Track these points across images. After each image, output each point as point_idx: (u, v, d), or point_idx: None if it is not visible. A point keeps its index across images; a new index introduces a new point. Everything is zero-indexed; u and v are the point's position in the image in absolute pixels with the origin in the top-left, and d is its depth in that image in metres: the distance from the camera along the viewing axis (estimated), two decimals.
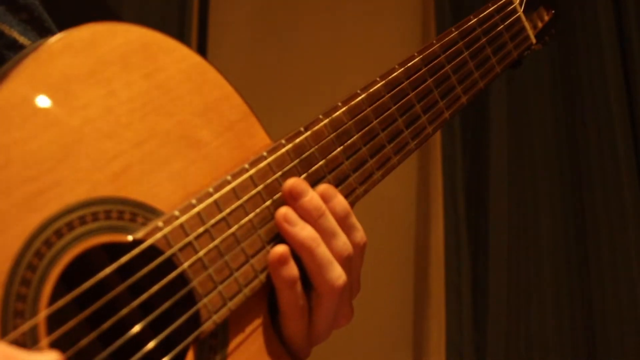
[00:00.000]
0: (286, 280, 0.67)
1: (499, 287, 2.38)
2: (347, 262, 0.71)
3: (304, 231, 0.68)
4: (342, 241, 0.71)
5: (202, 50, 2.50)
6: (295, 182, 0.69)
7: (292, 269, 0.68)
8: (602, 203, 2.41)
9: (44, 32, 0.72)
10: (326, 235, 0.70)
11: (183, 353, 0.62)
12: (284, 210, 0.68)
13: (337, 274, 0.70)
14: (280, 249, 0.67)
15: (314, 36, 2.56)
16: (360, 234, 0.73)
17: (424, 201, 2.50)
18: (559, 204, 2.46)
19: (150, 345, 0.59)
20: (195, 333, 0.62)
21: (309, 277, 0.69)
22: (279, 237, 0.68)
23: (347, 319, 0.75)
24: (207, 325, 0.62)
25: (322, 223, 0.69)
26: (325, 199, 0.70)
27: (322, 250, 0.69)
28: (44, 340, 0.52)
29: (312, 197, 0.69)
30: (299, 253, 0.69)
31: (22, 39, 0.70)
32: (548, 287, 2.40)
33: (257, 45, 2.57)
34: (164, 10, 2.43)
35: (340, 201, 0.71)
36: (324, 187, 0.71)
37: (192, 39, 2.45)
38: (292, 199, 0.69)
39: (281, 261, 0.67)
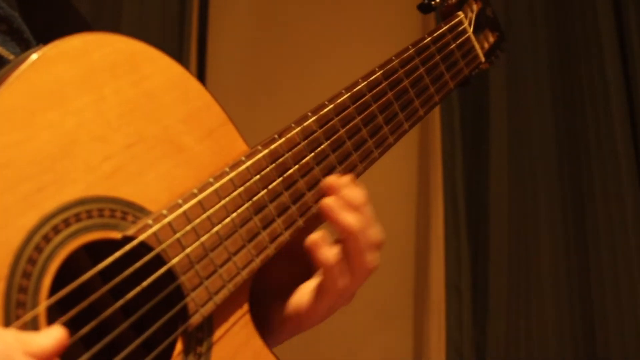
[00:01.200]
0: (332, 259, 0.75)
1: (499, 287, 2.39)
2: (379, 248, 0.79)
3: (350, 217, 0.76)
4: (378, 229, 0.78)
5: (202, 50, 2.51)
6: (334, 179, 0.78)
7: (334, 249, 0.76)
8: (602, 203, 2.41)
9: (23, 44, 0.75)
10: (366, 223, 0.77)
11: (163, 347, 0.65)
12: (331, 200, 0.77)
13: (373, 257, 0.78)
14: (317, 233, 0.75)
15: (314, 35, 2.57)
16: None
17: (424, 201, 2.50)
18: (559, 204, 2.46)
19: (143, 337, 0.62)
20: (184, 325, 0.65)
21: (349, 259, 0.77)
22: (257, 236, 0.73)
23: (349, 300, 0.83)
24: (195, 319, 0.66)
25: (363, 212, 0.77)
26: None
27: (364, 235, 0.77)
28: (42, 307, 0.56)
29: (350, 189, 0.78)
30: (344, 236, 0.77)
31: (0, 50, 0.72)
32: (548, 287, 2.40)
33: (256, 45, 2.58)
34: (164, 10, 2.43)
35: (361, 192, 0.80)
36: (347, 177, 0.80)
37: (192, 39, 2.45)
38: (333, 191, 0.77)
39: (324, 239, 0.75)
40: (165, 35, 2.43)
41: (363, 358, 2.45)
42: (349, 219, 0.76)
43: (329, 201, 0.76)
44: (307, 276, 0.81)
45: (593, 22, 2.47)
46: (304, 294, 0.80)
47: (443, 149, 2.48)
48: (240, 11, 2.59)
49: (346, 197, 0.77)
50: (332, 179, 0.78)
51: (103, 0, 2.40)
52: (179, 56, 2.40)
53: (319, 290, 0.78)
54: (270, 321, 0.80)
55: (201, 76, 2.48)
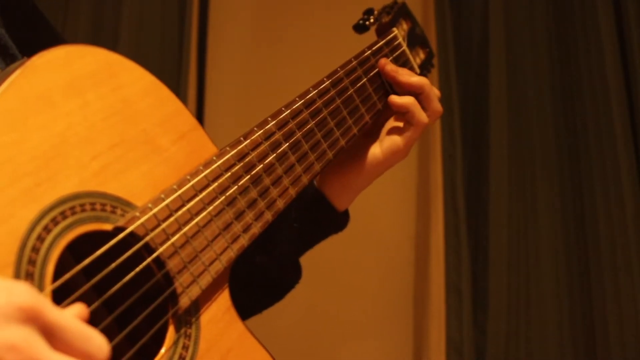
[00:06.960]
0: (413, 100, 1.05)
1: (499, 287, 2.38)
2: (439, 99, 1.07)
3: (415, 78, 1.04)
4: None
5: (202, 50, 2.51)
6: (387, 64, 1.05)
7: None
8: (602, 203, 2.41)
9: (9, 58, 0.81)
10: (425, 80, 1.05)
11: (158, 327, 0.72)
12: (395, 69, 1.04)
13: (438, 103, 1.05)
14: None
15: (314, 36, 2.57)
16: None
17: (424, 201, 2.50)
18: (559, 204, 2.46)
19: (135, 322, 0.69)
20: (175, 307, 0.72)
21: (425, 104, 1.04)
22: (231, 226, 0.80)
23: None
24: (183, 301, 0.73)
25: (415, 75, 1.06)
26: None
27: (430, 87, 1.04)
28: (48, 288, 0.62)
29: (403, 69, 1.06)
30: (417, 91, 1.03)
31: None
32: (548, 287, 2.40)
33: (257, 45, 2.58)
34: (164, 10, 2.44)
35: None
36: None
37: (192, 39, 2.46)
38: (394, 72, 1.05)
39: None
40: (165, 37, 2.43)
41: (363, 358, 2.45)
42: (415, 79, 1.03)
43: (391, 67, 1.03)
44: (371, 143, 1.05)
45: (593, 22, 2.47)
46: (375, 150, 1.04)
47: (443, 149, 2.48)
48: (240, 13, 2.59)
49: (402, 70, 1.03)
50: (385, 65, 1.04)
51: (103, 2, 2.40)
52: (179, 57, 2.41)
53: (405, 131, 1.03)
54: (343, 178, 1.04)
55: (201, 78, 2.49)
